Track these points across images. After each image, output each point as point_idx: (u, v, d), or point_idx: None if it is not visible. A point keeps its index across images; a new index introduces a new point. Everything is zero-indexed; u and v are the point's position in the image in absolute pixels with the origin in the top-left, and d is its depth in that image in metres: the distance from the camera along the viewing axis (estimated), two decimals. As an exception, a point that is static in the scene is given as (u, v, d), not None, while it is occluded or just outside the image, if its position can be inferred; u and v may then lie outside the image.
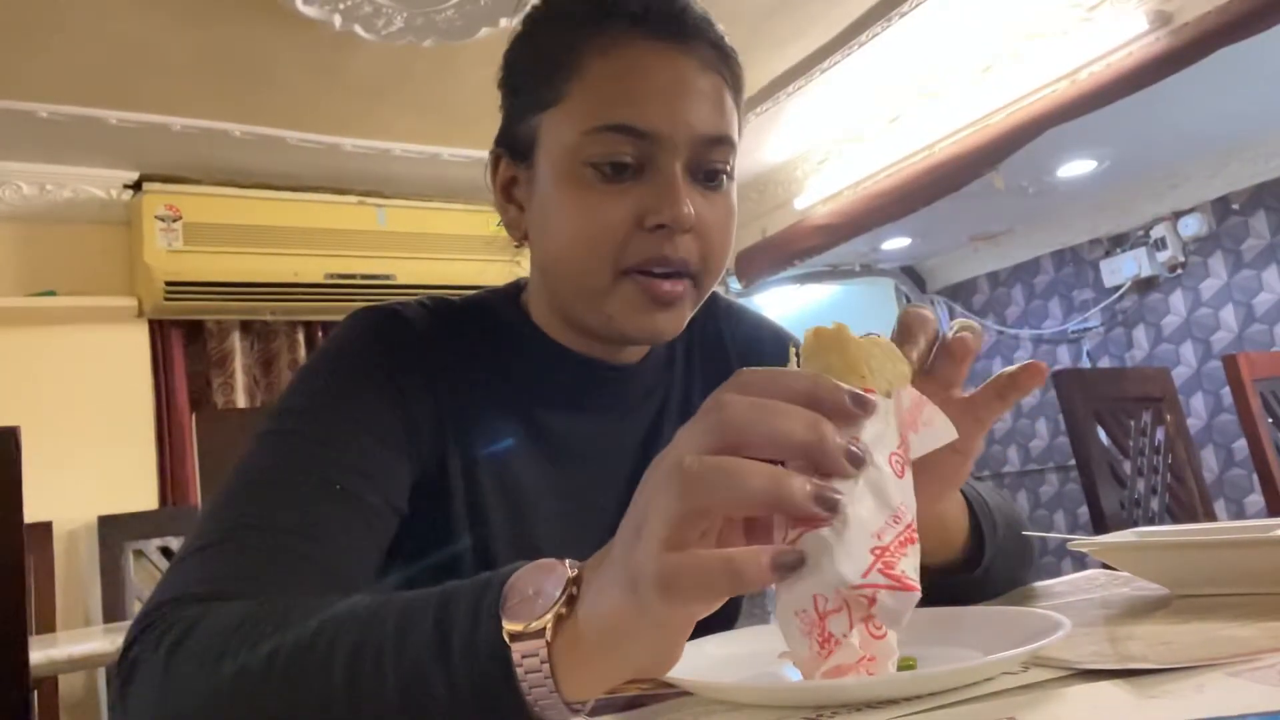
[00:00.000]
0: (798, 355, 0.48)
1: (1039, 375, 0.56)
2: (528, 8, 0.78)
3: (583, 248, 0.71)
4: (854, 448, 0.42)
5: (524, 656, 0.43)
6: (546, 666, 0.43)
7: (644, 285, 0.71)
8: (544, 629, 0.43)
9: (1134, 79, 2.52)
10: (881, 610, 0.41)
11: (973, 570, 0.73)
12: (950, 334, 0.56)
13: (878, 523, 0.42)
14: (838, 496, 0.40)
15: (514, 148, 0.77)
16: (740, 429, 0.41)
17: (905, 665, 0.54)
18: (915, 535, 0.44)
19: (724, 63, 0.74)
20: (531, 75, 0.75)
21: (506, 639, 0.44)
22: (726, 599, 0.40)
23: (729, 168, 0.74)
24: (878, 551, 0.41)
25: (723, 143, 0.72)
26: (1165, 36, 2.45)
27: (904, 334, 0.54)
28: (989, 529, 0.73)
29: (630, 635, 0.42)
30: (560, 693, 0.44)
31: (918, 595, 0.42)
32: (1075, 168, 4.00)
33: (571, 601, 0.44)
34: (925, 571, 0.46)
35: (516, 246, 0.82)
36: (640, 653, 0.43)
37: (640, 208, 0.70)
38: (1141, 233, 4.52)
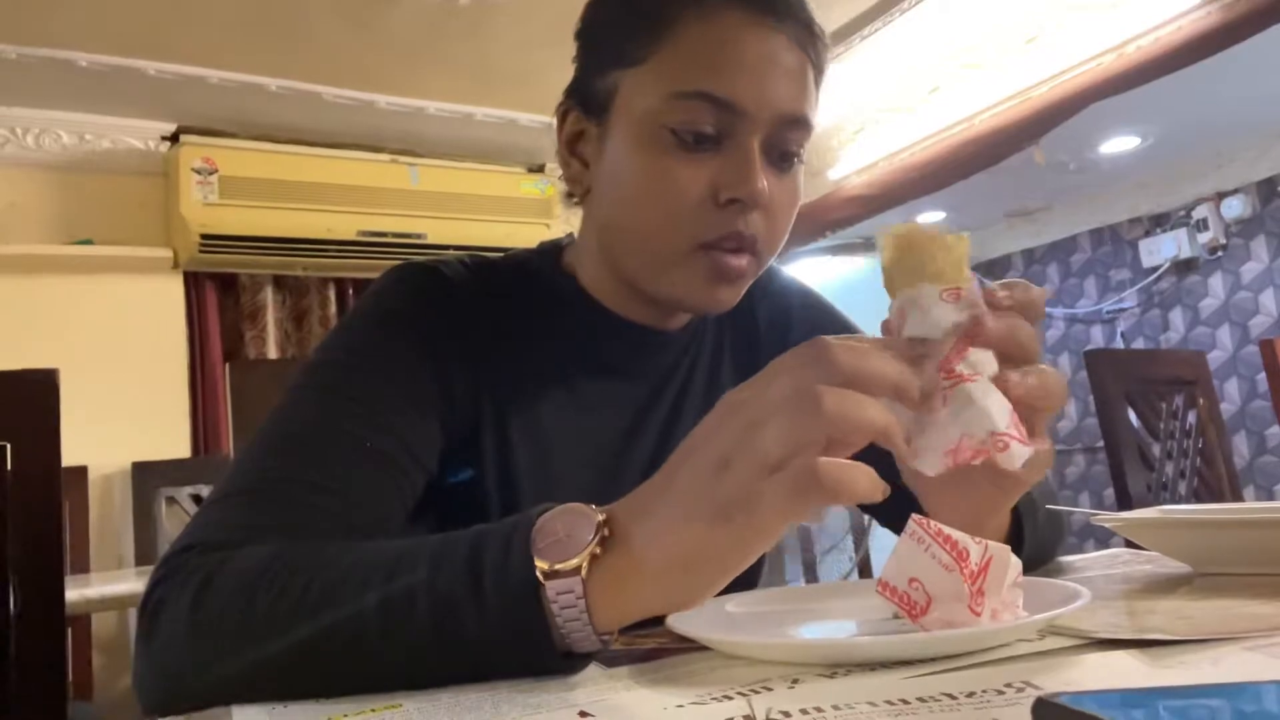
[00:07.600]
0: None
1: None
2: None
3: (654, 215, 0.71)
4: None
5: (558, 594, 0.46)
6: (582, 602, 0.46)
7: (714, 260, 0.71)
8: (579, 568, 0.46)
9: (1183, 54, 2.46)
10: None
11: None
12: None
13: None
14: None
15: (587, 102, 0.76)
16: (850, 371, 0.45)
17: None
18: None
19: (811, 43, 0.72)
20: (617, 30, 0.74)
21: (540, 577, 0.46)
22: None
23: (802, 151, 0.73)
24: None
25: (801, 125, 0.72)
26: (1217, 11, 2.38)
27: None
28: (1030, 525, 0.71)
29: (702, 562, 0.45)
30: (593, 625, 0.46)
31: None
32: (1118, 144, 3.91)
33: (604, 543, 0.46)
34: None
35: (577, 203, 0.80)
36: (695, 584, 0.46)
37: (716, 181, 0.69)
38: (1183, 213, 4.44)
